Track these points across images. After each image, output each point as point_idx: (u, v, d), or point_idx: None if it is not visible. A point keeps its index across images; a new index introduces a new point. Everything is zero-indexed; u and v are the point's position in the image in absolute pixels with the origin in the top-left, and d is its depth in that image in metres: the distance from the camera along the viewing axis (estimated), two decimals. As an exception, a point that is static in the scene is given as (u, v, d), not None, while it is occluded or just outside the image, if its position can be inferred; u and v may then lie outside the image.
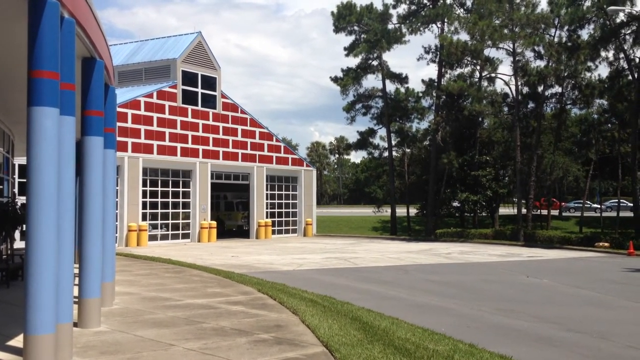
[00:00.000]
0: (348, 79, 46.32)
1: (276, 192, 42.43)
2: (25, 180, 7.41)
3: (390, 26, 44.94)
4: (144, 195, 33.47)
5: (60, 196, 7.41)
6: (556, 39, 40.02)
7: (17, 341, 8.58)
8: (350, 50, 45.67)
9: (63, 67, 7.62)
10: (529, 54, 41.15)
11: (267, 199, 41.08)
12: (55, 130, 7.24)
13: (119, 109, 29.93)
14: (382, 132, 48.57)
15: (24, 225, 10.25)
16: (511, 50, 40.03)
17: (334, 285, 17.72)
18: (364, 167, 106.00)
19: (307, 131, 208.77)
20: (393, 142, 47.44)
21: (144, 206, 33.40)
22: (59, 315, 7.40)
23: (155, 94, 34.23)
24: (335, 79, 47.28)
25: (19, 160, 23.45)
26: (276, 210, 42.28)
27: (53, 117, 7.21)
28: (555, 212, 52.29)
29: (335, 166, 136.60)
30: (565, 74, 40.19)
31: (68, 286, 7.91)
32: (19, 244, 20.64)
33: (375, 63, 46.14)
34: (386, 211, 49.71)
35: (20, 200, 17.21)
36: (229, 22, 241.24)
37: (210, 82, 37.40)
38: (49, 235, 7.10)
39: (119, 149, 29.06)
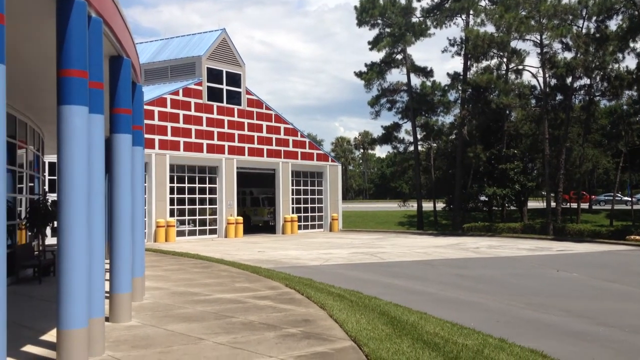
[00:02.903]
0: (372, 73, 46.12)
1: (302, 188, 42.50)
2: (55, 177, 7.51)
3: (414, 19, 44.66)
4: (172, 191, 33.78)
5: (90, 193, 7.51)
6: (584, 30, 39.38)
7: (50, 336, 8.73)
8: (374, 44, 45.43)
9: (91, 66, 7.70)
10: (556, 46, 40.55)
11: (292, 194, 41.18)
12: (85, 128, 7.34)
13: (145, 107, 30.22)
14: (407, 126, 48.36)
15: (55, 222, 10.41)
16: (538, 42, 39.48)
17: (361, 279, 17.70)
18: (389, 162, 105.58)
19: (331, 126, 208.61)
20: (418, 137, 47.16)
21: (172, 202, 33.73)
22: (91, 310, 7.51)
23: (181, 92, 34.48)
24: (359, 74, 47.10)
25: (49, 158, 23.83)
26: (302, 205, 42.36)
27: (82, 115, 7.30)
28: (585, 206, 51.57)
29: (360, 161, 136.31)
30: (594, 66, 39.53)
31: (99, 281, 8.02)
32: (50, 240, 21.00)
33: (399, 57, 45.87)
34: (412, 206, 49.43)
35: (51, 197, 17.48)
36: (253, 18, 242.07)
37: (234, 79, 37.56)
38: (80, 231, 7.20)
39: (146, 146, 29.34)
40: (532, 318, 12.34)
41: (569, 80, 40.77)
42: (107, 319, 9.27)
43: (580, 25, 39.63)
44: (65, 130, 7.21)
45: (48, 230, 20.57)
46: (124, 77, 10.16)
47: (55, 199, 7.63)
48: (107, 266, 10.26)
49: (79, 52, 7.26)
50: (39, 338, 8.87)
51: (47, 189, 22.32)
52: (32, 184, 18.48)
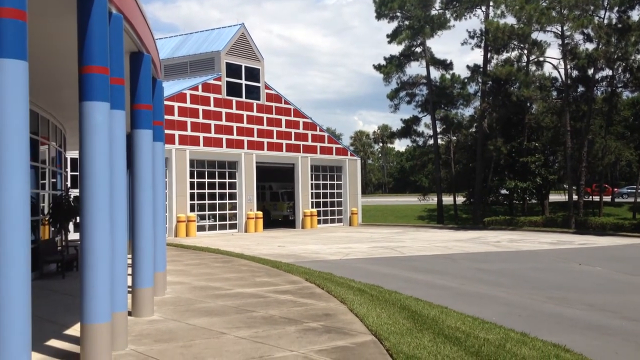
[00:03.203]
0: (391, 66, 45.94)
1: (321, 182, 42.51)
2: (77, 173, 7.58)
3: (433, 12, 44.37)
4: (192, 186, 33.97)
5: (112, 188, 7.57)
6: (606, 21, 38.83)
7: (74, 330, 8.83)
8: (393, 37, 45.24)
9: (112, 62, 7.75)
10: (577, 37, 40.06)
11: (312, 188, 41.20)
12: (107, 124, 7.39)
13: (165, 102, 30.39)
14: (426, 119, 48.17)
15: (78, 217, 10.52)
16: (559, 33, 39.02)
17: (381, 274, 17.67)
18: (409, 156, 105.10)
19: (350, 120, 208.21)
20: (438, 130, 46.94)
21: (192, 197, 33.92)
22: (114, 305, 7.59)
23: (200, 87, 34.63)
24: (378, 67, 46.95)
25: (71, 154, 24.07)
26: (321, 200, 42.37)
27: (104, 111, 7.35)
28: (607, 198, 50.97)
29: (380, 155, 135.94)
30: (616, 57, 38.96)
31: (122, 276, 8.10)
32: (73, 236, 21.23)
33: (418, 50, 45.66)
34: (432, 200, 49.14)
35: (74, 192, 17.68)
36: (271, 12, 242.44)
37: (253, 74, 37.62)
38: (102, 226, 7.26)
39: (167, 141, 29.51)
40: (554, 312, 12.24)
41: (590, 71, 40.26)
42: (129, 314, 9.36)
43: (602, 16, 39.09)
44: (87, 126, 7.27)
45: (71, 226, 20.79)
46: (144, 73, 10.22)
47: (78, 194, 7.70)
48: (129, 261, 10.35)
49: (100, 48, 7.31)
50: (62, 332, 8.98)
51: (69, 185, 22.56)
52: (54, 180, 18.70)
